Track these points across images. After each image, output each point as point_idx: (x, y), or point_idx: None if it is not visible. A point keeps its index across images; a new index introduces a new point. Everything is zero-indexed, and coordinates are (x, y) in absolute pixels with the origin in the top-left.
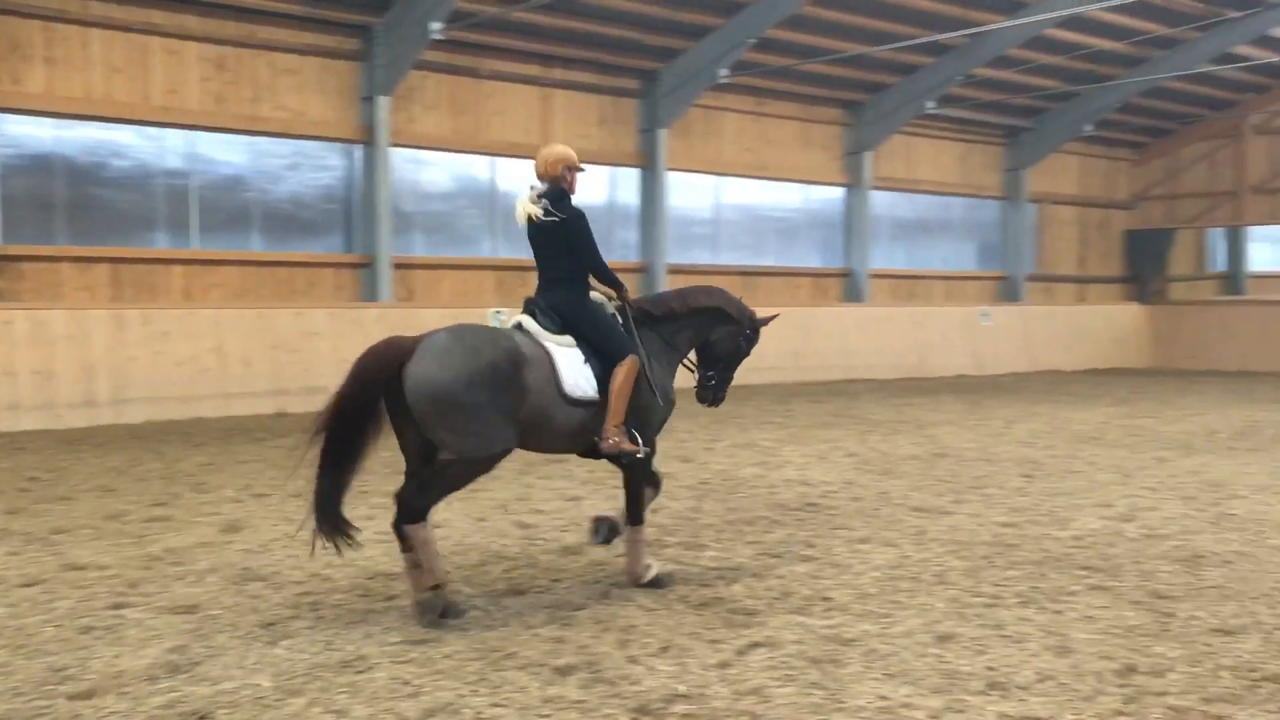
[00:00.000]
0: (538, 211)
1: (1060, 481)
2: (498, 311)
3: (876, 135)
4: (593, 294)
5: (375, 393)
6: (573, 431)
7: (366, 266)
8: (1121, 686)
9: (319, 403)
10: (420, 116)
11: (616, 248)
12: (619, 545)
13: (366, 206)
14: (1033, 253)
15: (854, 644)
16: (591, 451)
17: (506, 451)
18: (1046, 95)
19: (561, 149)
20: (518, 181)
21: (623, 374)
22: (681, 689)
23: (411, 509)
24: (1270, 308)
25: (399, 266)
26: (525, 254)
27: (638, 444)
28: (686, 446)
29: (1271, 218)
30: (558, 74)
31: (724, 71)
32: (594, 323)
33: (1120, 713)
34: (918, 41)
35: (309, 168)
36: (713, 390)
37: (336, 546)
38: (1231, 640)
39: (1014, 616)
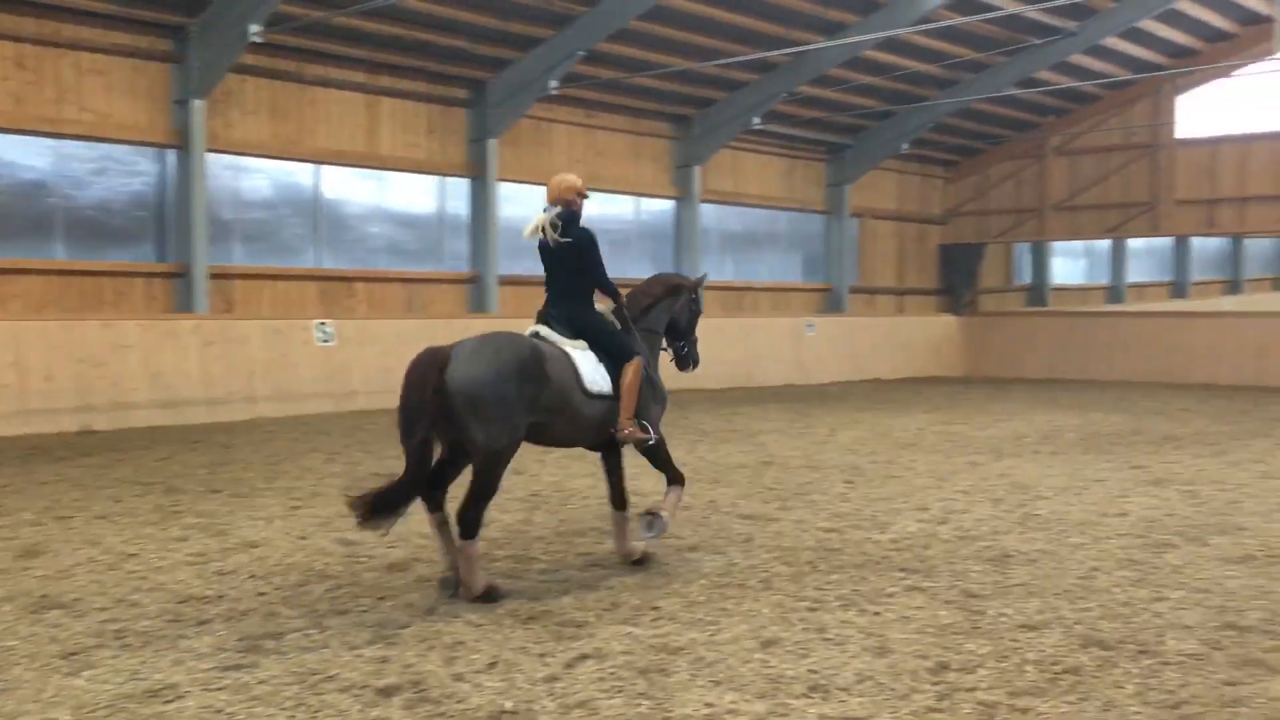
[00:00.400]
0: (554, 233)
1: (880, 487)
2: (321, 323)
3: (705, 149)
4: (597, 306)
5: (428, 395)
6: (592, 424)
7: (181, 276)
8: (935, 684)
9: (129, 418)
10: (239, 121)
11: (447, 258)
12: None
13: (181, 214)
14: (854, 265)
15: (681, 652)
16: (602, 446)
17: (520, 441)
18: (865, 114)
19: (572, 177)
20: (343, 190)
21: (631, 372)
22: (508, 705)
23: (465, 524)
24: (1071, 319)
25: (216, 276)
26: (348, 265)
27: (648, 432)
28: (518, 459)
29: (1071, 233)
30: (385, 81)
31: (554, 83)
32: (603, 330)
33: (934, 709)
34: (743, 59)
35: (118, 173)
36: (689, 356)
37: (373, 526)
38: (1036, 635)
39: (836, 619)
